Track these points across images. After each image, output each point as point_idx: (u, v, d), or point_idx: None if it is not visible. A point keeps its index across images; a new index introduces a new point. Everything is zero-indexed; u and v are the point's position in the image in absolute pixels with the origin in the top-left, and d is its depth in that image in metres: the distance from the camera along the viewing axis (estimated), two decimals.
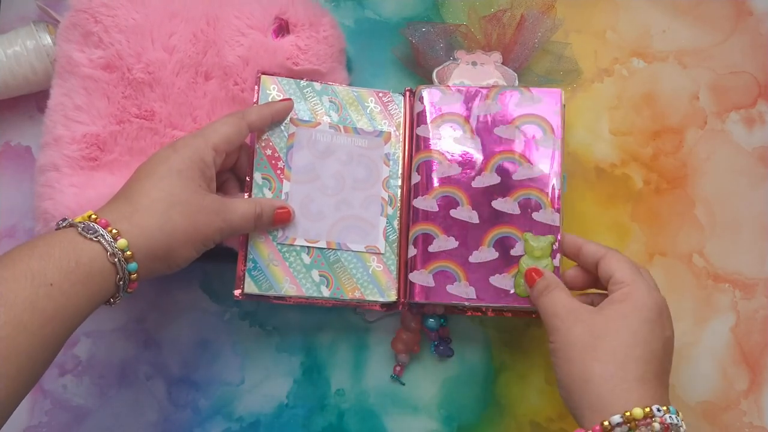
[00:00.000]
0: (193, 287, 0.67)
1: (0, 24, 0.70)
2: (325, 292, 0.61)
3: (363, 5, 0.73)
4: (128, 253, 0.51)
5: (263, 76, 0.63)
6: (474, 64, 0.67)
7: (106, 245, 0.50)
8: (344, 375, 0.66)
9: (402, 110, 0.65)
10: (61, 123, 0.61)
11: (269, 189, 0.62)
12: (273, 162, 0.62)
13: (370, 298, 0.62)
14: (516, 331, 0.67)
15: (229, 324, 0.66)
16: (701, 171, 0.70)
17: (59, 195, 0.59)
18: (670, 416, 0.49)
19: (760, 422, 0.65)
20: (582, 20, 0.73)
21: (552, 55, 0.70)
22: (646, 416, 0.48)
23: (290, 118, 0.63)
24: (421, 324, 0.65)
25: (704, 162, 0.70)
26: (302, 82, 0.64)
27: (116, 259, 0.50)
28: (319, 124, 0.63)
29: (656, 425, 0.48)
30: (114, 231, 0.51)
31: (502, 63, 0.68)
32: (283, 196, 0.62)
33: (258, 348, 0.66)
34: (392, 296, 0.62)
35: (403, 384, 0.66)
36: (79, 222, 0.51)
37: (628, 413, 0.48)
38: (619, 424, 0.48)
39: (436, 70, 0.67)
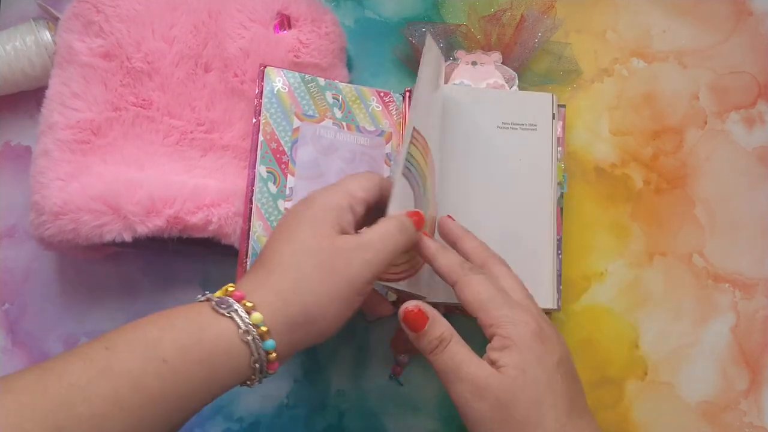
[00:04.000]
0: (193, 287, 0.67)
1: (0, 23, 0.70)
2: None
3: (363, 5, 0.73)
4: (263, 328, 0.44)
5: (268, 68, 0.63)
6: (474, 63, 0.67)
7: (239, 321, 0.44)
8: (344, 375, 0.66)
9: (402, 111, 0.66)
10: (57, 110, 0.61)
11: (273, 183, 0.61)
12: (278, 156, 0.61)
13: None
14: None
15: None
16: (701, 171, 0.70)
17: (45, 189, 0.58)
18: None
19: (760, 422, 0.65)
20: (582, 20, 0.73)
21: (552, 55, 0.70)
22: None
23: (295, 113, 0.63)
24: None
25: (704, 162, 0.70)
26: (307, 76, 0.64)
27: (250, 338, 0.44)
28: (324, 119, 0.63)
29: None
30: (249, 304, 0.45)
31: (502, 63, 0.68)
32: (287, 192, 0.61)
33: None
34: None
35: (401, 384, 0.66)
36: (217, 296, 0.46)
37: None
38: None
39: None
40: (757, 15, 0.73)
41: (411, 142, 0.53)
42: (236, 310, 0.44)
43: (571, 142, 0.70)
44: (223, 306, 0.45)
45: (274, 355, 0.45)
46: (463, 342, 0.49)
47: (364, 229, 0.50)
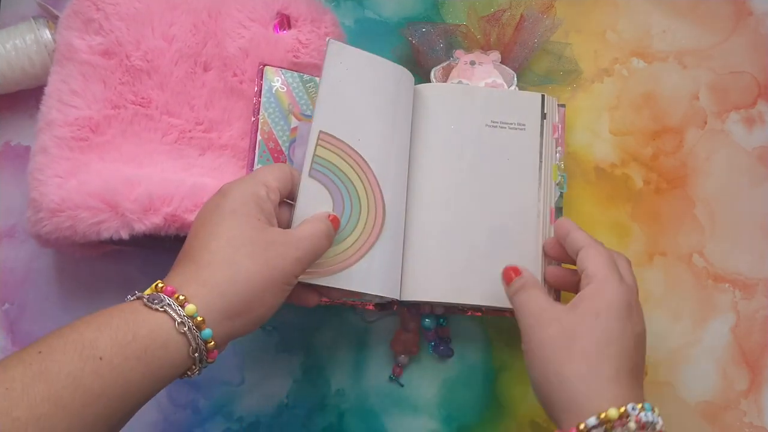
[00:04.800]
0: None
1: (0, 21, 0.70)
2: None
3: (363, 5, 0.73)
4: (198, 319, 0.45)
5: (267, 67, 0.63)
6: (472, 63, 0.67)
7: (173, 314, 0.45)
8: (344, 375, 0.66)
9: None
10: (56, 108, 0.61)
11: None
12: (275, 155, 0.61)
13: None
14: (516, 331, 0.66)
15: None
16: (701, 171, 0.70)
17: (43, 186, 0.58)
18: (645, 414, 0.48)
19: (760, 422, 0.65)
20: (582, 20, 0.73)
21: (552, 56, 0.70)
22: (621, 416, 0.48)
23: (292, 112, 0.63)
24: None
25: (704, 162, 0.70)
26: (305, 76, 0.64)
27: (186, 329, 0.45)
28: None
29: (632, 425, 0.48)
30: (181, 297, 0.46)
31: (502, 62, 0.68)
32: None
33: (258, 348, 0.66)
34: None
35: (402, 385, 0.66)
36: (147, 294, 0.46)
37: (603, 414, 0.48)
38: (594, 426, 0.48)
39: (434, 70, 0.67)
40: (757, 15, 0.73)
41: (319, 145, 0.57)
42: (169, 304, 0.45)
43: (571, 142, 0.70)
44: (155, 302, 0.45)
45: (212, 343, 0.46)
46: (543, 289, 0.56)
47: (294, 228, 0.53)
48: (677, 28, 0.73)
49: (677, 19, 0.73)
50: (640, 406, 0.48)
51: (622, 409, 0.48)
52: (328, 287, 0.57)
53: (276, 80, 0.63)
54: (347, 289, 0.57)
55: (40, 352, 0.42)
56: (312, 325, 0.67)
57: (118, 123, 0.62)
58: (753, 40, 0.72)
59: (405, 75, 0.63)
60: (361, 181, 0.59)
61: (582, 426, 0.48)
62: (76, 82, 0.61)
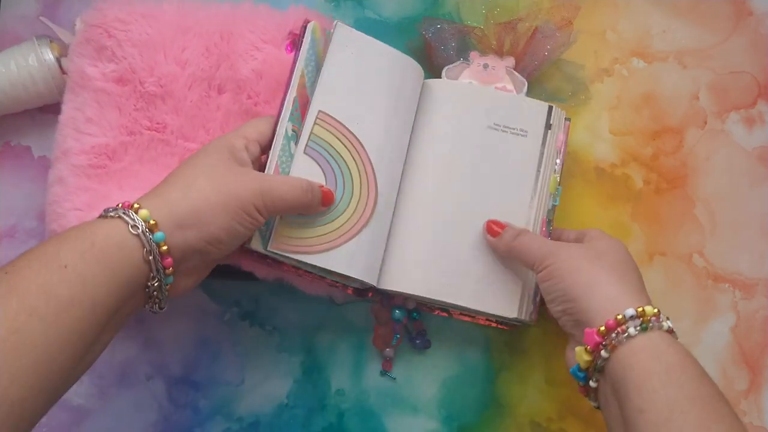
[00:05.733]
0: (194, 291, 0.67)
1: (0, 22, 0.70)
2: None
3: (363, 5, 0.73)
4: (152, 222, 0.47)
5: (313, 23, 0.60)
6: (485, 66, 0.67)
7: (127, 219, 0.47)
8: (344, 375, 0.66)
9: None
10: (72, 136, 0.61)
11: (294, 143, 0.58)
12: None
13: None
14: (516, 331, 0.67)
15: (229, 324, 0.66)
16: (701, 171, 0.70)
17: (62, 219, 0.59)
18: (669, 322, 0.51)
19: (760, 422, 0.65)
20: (582, 20, 0.73)
21: (563, 74, 0.70)
22: (656, 315, 0.50)
23: None
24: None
25: (704, 162, 0.70)
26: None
27: (140, 231, 0.46)
28: None
29: (665, 324, 0.50)
30: (135, 206, 0.48)
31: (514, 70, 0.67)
32: None
33: (258, 348, 0.66)
34: None
35: (394, 378, 0.66)
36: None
37: (640, 309, 0.50)
38: (632, 317, 0.50)
39: (446, 68, 0.67)
40: (757, 15, 0.73)
41: (317, 124, 0.58)
42: (124, 212, 0.47)
43: (571, 142, 0.70)
44: (110, 211, 0.48)
45: (165, 247, 0.48)
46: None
47: (277, 174, 0.55)
48: (677, 28, 0.73)
49: (677, 19, 0.73)
50: (666, 316, 0.51)
51: (656, 310, 0.51)
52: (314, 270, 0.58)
53: (321, 40, 0.60)
54: (330, 269, 0.58)
55: (6, 272, 0.43)
56: (312, 325, 0.67)
57: (134, 149, 0.62)
58: (753, 40, 0.72)
59: (412, 66, 0.63)
60: (356, 164, 0.59)
61: (620, 316, 0.50)
62: (91, 109, 0.61)
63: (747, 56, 0.72)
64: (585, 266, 0.54)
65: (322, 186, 0.57)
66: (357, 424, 0.65)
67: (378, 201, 0.60)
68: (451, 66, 0.67)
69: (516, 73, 0.67)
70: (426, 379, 0.66)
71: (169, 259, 0.48)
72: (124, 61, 0.62)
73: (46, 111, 0.67)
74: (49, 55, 0.65)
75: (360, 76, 0.60)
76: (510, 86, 0.66)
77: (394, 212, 0.62)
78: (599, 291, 0.53)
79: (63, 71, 0.64)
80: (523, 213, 0.62)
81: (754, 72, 0.72)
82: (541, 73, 0.69)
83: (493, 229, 0.60)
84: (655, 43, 0.72)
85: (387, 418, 0.65)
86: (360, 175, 0.59)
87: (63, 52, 0.65)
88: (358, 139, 0.59)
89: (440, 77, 0.67)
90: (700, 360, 0.67)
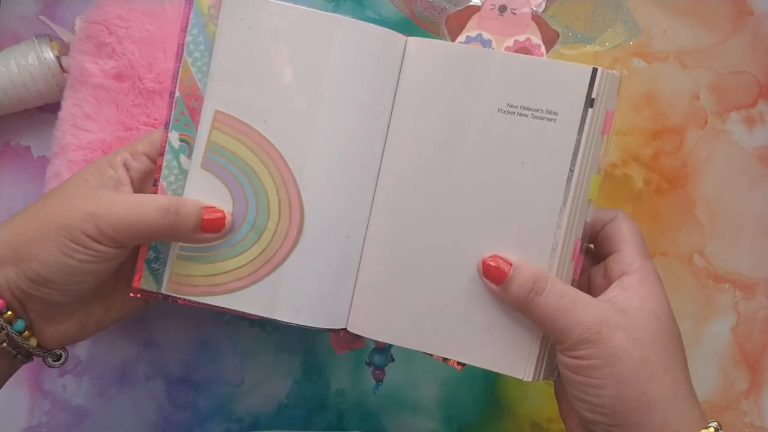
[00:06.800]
0: None
1: (0, 21, 0.70)
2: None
3: (363, 5, 0.73)
4: None
5: None
6: (502, 9, 0.46)
7: None
8: (344, 375, 0.66)
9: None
10: (70, 132, 0.61)
11: (187, 156, 0.48)
12: (196, 119, 0.48)
13: None
14: None
15: (229, 324, 0.66)
16: (701, 171, 0.70)
17: None
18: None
19: (760, 422, 0.65)
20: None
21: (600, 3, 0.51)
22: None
23: None
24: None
25: (705, 162, 0.70)
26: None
27: None
28: None
29: None
30: None
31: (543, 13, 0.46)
32: None
33: (258, 348, 0.66)
34: None
35: (382, 372, 0.59)
36: None
37: None
38: None
39: (446, 16, 0.49)
40: (757, 15, 0.73)
41: (214, 128, 0.46)
42: None
43: None
44: None
45: None
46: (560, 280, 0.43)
47: (132, 193, 0.46)
48: (677, 28, 0.73)
49: (677, 19, 0.73)
50: (717, 422, 0.45)
51: (711, 430, 0.44)
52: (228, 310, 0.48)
53: (211, 8, 0.47)
54: (246, 311, 0.47)
55: None
56: None
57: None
58: (753, 40, 0.72)
59: (370, 34, 0.47)
60: (270, 175, 0.47)
61: None
62: (89, 105, 0.61)
63: (747, 56, 0.72)
64: (633, 377, 0.42)
65: (210, 207, 0.46)
66: (357, 424, 0.65)
67: (306, 219, 0.47)
68: (452, 11, 0.48)
69: (546, 21, 0.46)
70: (426, 380, 0.66)
71: (1, 301, 0.42)
72: (123, 57, 0.62)
73: (45, 111, 0.67)
74: (49, 54, 0.65)
75: (265, 57, 0.46)
76: (537, 40, 0.46)
77: (366, 236, 0.48)
78: (654, 413, 0.42)
79: (63, 70, 0.64)
80: (547, 233, 0.44)
81: (754, 72, 0.72)
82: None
83: (492, 270, 0.43)
84: (655, 43, 0.72)
85: (387, 418, 0.65)
86: (277, 189, 0.47)
87: (63, 50, 0.65)
88: (269, 142, 0.47)
89: (439, 34, 0.48)
90: (700, 360, 0.67)
